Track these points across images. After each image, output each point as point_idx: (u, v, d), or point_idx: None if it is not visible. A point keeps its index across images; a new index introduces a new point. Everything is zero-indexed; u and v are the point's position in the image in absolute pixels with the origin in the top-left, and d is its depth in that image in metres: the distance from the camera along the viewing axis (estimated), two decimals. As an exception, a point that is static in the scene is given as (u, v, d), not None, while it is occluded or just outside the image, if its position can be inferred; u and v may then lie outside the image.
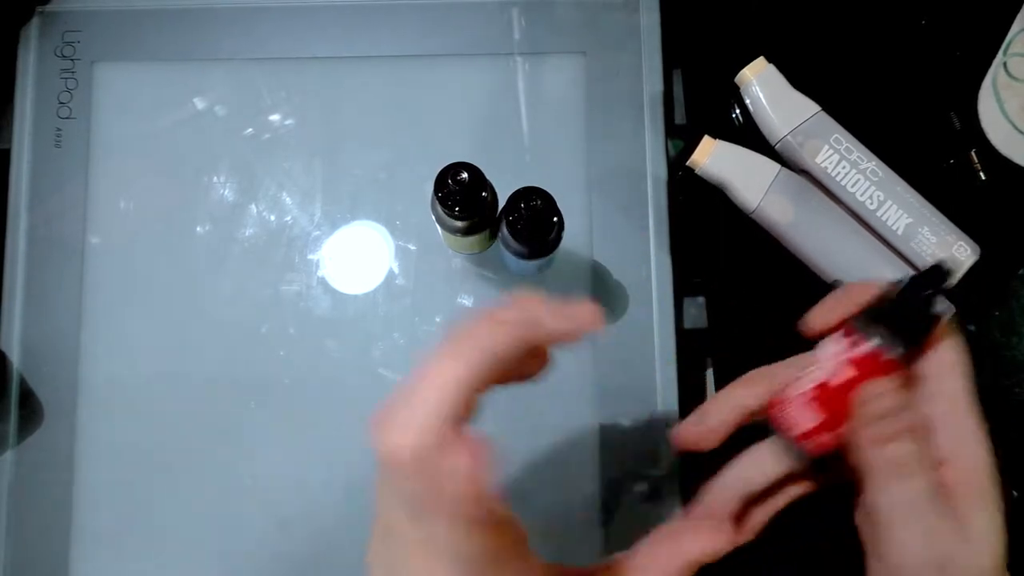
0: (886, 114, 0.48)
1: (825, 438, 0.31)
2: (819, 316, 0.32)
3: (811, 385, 0.31)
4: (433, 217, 0.40)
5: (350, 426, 0.45)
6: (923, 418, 0.30)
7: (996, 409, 0.46)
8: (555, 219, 0.38)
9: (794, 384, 0.32)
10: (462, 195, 0.37)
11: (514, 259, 0.41)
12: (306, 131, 0.48)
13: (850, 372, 0.31)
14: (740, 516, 0.34)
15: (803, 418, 0.31)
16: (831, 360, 0.31)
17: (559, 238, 0.40)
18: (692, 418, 0.34)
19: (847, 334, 0.31)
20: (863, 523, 0.31)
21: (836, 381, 0.31)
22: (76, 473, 0.45)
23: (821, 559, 0.45)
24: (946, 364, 0.31)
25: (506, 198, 0.38)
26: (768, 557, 0.44)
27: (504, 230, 0.39)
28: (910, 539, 0.29)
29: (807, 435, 0.31)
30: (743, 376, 0.34)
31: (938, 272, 0.31)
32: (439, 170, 0.37)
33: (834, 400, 0.31)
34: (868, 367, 0.30)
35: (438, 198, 0.37)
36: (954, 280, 0.45)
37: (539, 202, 0.37)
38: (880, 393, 0.30)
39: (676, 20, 0.49)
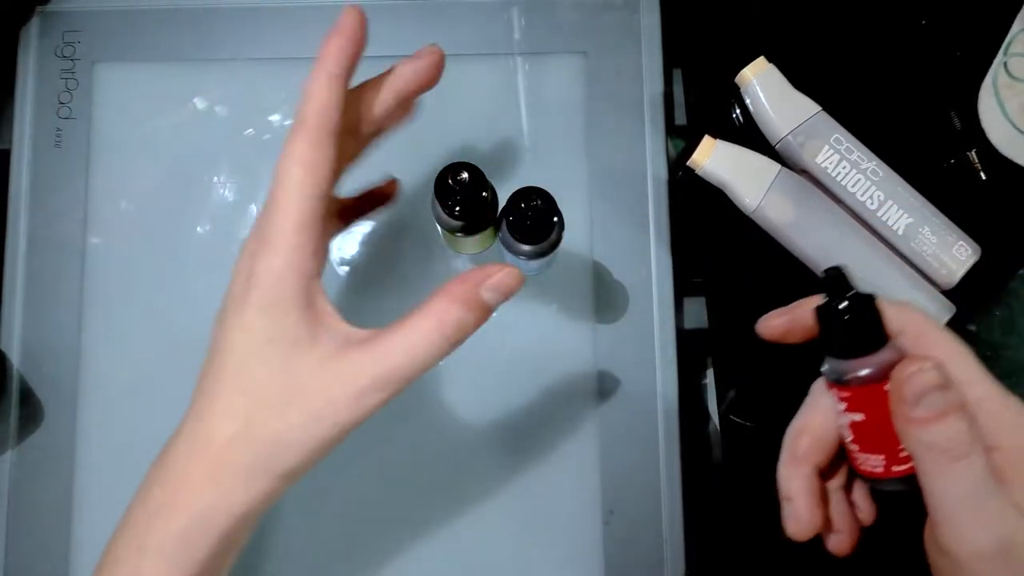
0: (886, 114, 0.48)
1: (903, 463, 0.30)
2: (766, 329, 0.33)
3: (849, 437, 0.31)
4: (433, 217, 0.40)
5: (350, 426, 0.45)
6: (964, 398, 0.28)
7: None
8: (555, 219, 0.38)
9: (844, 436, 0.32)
10: (462, 195, 0.37)
11: (514, 259, 0.41)
12: (306, 131, 0.48)
13: (853, 415, 0.30)
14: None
15: (869, 461, 0.31)
16: (836, 408, 0.31)
17: (559, 238, 0.40)
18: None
19: (827, 384, 0.31)
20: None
21: (856, 421, 0.30)
22: (76, 473, 0.45)
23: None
24: (952, 353, 0.29)
25: (506, 198, 0.38)
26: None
27: (504, 230, 0.39)
28: (970, 529, 0.27)
29: (887, 471, 0.30)
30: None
31: (835, 279, 0.30)
32: (439, 170, 0.37)
33: (871, 435, 0.30)
34: (858, 400, 0.30)
35: (438, 198, 0.37)
36: (954, 280, 0.45)
37: (539, 202, 0.37)
38: (913, 372, 0.28)
39: (676, 20, 0.49)
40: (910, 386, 0.28)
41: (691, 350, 0.47)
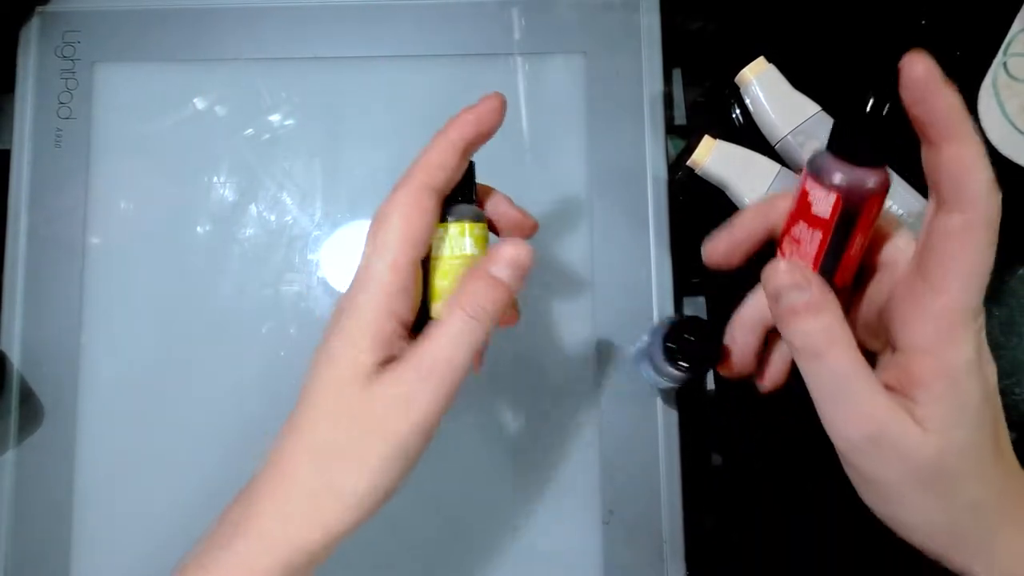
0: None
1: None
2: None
3: (792, 230, 0.31)
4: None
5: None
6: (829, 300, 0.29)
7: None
8: (720, 346, 0.37)
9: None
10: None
11: (655, 377, 0.40)
12: (306, 131, 0.48)
13: (808, 211, 0.30)
14: (763, 359, 0.36)
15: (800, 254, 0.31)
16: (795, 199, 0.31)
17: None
18: (720, 233, 0.34)
19: (806, 173, 0.31)
20: None
21: (806, 220, 0.30)
22: (76, 473, 0.45)
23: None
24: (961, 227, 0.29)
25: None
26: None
27: (660, 353, 0.38)
28: (838, 422, 0.28)
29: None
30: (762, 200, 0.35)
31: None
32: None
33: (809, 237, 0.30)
34: (803, 199, 0.30)
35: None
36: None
37: (698, 336, 0.37)
38: (772, 270, 0.30)
39: (676, 20, 0.49)
40: (768, 283, 0.30)
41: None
